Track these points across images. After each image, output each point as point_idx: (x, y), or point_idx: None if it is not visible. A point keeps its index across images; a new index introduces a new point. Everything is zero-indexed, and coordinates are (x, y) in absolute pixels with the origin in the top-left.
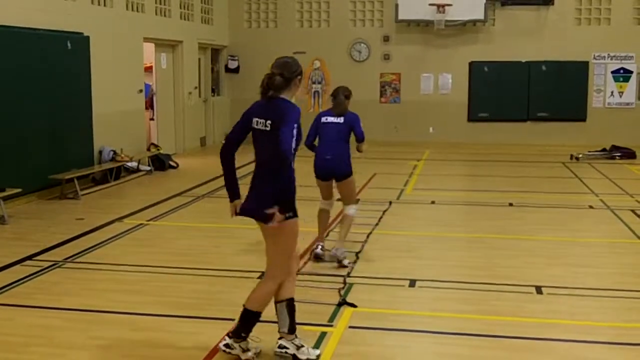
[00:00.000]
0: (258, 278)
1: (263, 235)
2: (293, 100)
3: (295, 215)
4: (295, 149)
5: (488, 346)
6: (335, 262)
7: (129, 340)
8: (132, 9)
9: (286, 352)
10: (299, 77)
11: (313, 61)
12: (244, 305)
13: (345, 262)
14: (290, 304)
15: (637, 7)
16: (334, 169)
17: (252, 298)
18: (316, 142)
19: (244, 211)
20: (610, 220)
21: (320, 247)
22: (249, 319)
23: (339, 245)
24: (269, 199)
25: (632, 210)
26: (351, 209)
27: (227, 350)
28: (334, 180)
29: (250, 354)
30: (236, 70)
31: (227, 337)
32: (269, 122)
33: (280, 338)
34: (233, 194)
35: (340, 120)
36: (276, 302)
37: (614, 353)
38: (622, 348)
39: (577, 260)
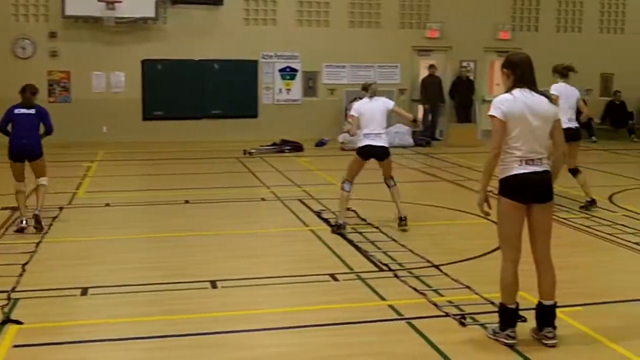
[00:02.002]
0: None
1: None
2: None
3: None
4: None
5: (166, 347)
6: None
7: None
8: None
9: None
10: None
11: None
12: None
13: (43, 223)
14: None
15: (299, 10)
16: (30, 151)
17: None
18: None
19: None
20: (281, 210)
21: (24, 221)
22: None
23: (40, 207)
24: None
25: (300, 200)
26: (44, 180)
27: None
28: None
29: None
30: None
31: None
32: None
33: None
34: None
35: (32, 111)
36: None
37: (285, 337)
38: (293, 332)
39: (252, 251)
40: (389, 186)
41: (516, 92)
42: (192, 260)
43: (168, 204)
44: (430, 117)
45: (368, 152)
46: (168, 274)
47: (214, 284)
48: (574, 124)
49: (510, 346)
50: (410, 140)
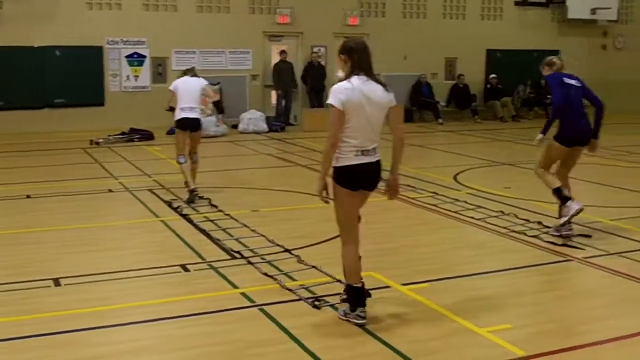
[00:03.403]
0: None
1: None
2: None
3: None
4: None
5: (7, 350)
6: None
7: None
8: None
9: None
10: None
11: None
12: None
13: None
14: None
15: None
16: None
17: None
18: None
19: None
20: (130, 201)
21: None
22: None
23: None
24: None
25: (150, 190)
26: None
27: None
28: None
29: None
30: None
31: None
32: None
33: None
34: None
35: None
36: None
37: (138, 332)
38: (146, 326)
39: (99, 245)
40: (193, 160)
41: (354, 79)
42: (34, 258)
43: (8, 200)
44: (283, 102)
45: (184, 124)
46: (8, 273)
47: (57, 282)
48: None
49: (361, 326)
50: (264, 126)
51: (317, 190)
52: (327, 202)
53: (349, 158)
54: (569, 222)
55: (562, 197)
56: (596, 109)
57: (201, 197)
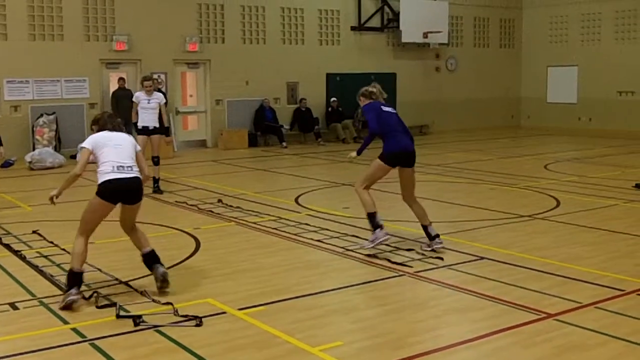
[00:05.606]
0: None
1: None
2: None
3: None
4: None
5: None
6: None
7: None
8: None
9: None
10: None
11: None
12: None
13: None
14: None
15: None
16: None
17: None
18: None
19: None
20: None
21: None
22: None
23: None
24: None
25: None
26: None
27: None
28: None
29: None
30: None
31: None
32: None
33: None
34: None
35: None
36: None
37: None
38: None
39: None
40: None
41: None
42: None
43: None
44: (124, 130)
45: None
46: None
47: None
48: None
49: (73, 302)
50: None
51: (52, 195)
52: (53, 204)
53: (107, 174)
54: (373, 247)
55: (373, 223)
56: None
57: (34, 231)
